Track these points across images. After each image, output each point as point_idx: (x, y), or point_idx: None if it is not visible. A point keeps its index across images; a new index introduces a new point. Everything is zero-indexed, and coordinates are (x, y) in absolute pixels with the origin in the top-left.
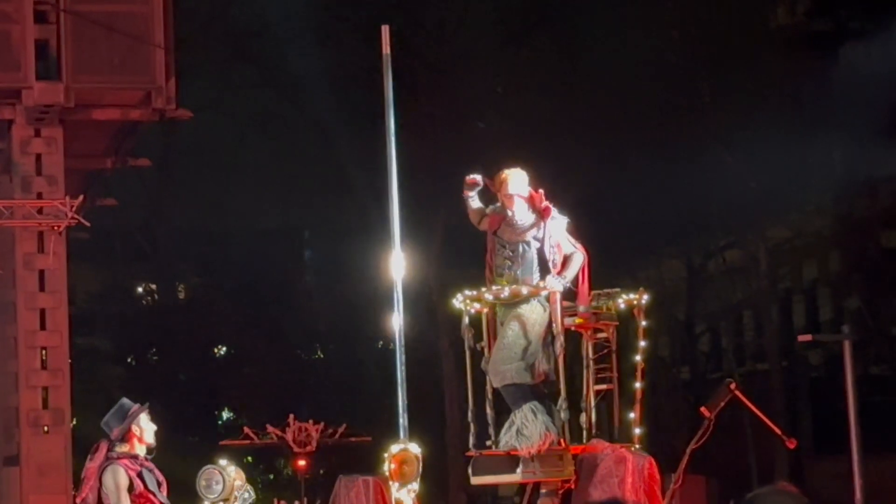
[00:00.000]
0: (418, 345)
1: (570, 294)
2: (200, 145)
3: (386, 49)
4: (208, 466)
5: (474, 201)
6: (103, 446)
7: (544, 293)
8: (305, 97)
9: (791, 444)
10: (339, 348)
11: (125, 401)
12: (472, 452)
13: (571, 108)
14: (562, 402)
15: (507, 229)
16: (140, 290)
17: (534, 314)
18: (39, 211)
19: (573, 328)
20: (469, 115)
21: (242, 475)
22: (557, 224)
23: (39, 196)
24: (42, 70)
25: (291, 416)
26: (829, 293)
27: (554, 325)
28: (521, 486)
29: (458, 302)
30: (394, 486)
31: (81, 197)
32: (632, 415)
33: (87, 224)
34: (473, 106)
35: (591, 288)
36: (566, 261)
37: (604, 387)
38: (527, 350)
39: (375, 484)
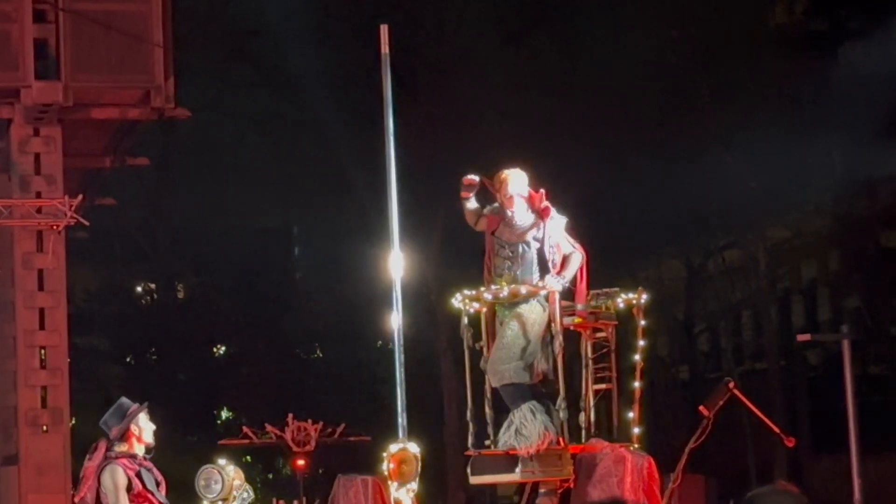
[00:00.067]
0: (417, 344)
1: (569, 293)
2: (199, 145)
3: (385, 49)
4: (207, 466)
5: (471, 202)
6: (102, 446)
7: (543, 293)
8: (304, 97)
9: (790, 443)
10: (338, 348)
11: (124, 400)
12: (471, 452)
13: (571, 108)
14: (561, 402)
15: (506, 230)
16: (139, 289)
17: (533, 314)
18: (38, 210)
19: (572, 328)
20: (468, 115)
21: (241, 474)
22: (557, 224)
23: (38, 195)
24: (41, 69)
25: (290, 415)
26: (829, 293)
27: (553, 324)
28: (520, 486)
29: (457, 301)
30: (392, 486)
31: (80, 196)
32: (631, 414)
33: (86, 223)
34: (473, 106)
35: (589, 287)
36: (565, 261)
37: (603, 386)
38: (526, 350)
39: (374, 483)
